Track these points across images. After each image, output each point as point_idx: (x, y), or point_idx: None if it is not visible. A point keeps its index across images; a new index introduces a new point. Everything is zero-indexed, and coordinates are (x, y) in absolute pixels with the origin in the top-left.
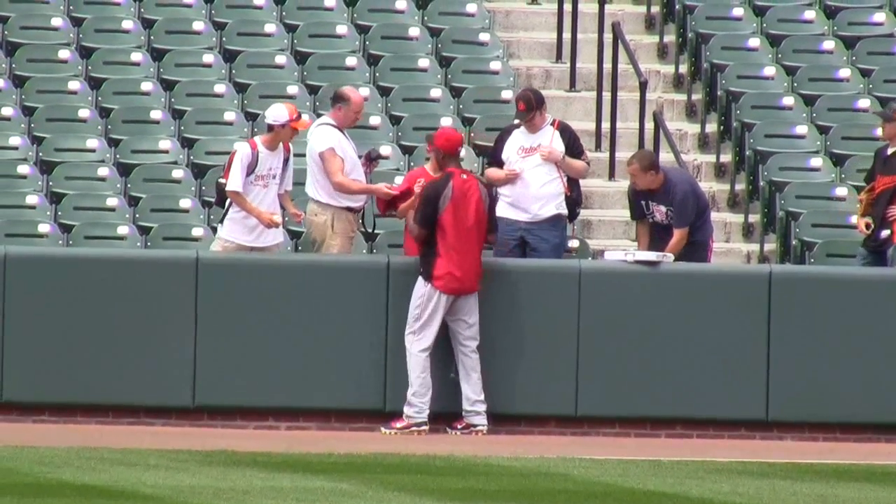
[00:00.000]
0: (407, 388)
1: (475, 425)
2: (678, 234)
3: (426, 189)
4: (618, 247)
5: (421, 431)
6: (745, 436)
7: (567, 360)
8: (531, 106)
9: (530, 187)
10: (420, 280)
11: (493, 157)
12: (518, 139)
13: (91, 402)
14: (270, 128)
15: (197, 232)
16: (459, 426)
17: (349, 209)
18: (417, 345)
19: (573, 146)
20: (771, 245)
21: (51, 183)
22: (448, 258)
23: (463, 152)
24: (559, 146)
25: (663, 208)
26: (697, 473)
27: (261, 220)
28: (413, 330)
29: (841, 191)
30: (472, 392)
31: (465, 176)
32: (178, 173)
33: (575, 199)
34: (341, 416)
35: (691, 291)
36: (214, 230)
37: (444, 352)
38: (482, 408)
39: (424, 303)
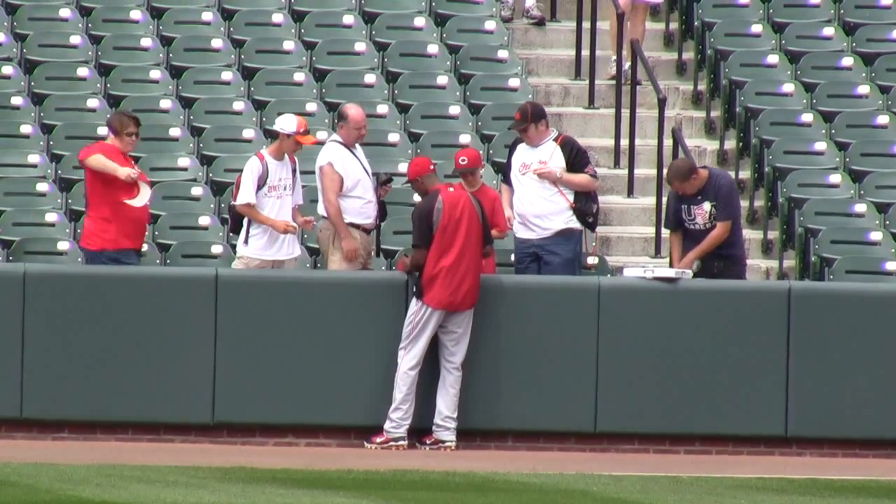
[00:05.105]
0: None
1: (443, 441)
2: (721, 227)
3: (416, 210)
4: (637, 263)
5: (399, 446)
6: (764, 452)
7: (586, 377)
8: (525, 117)
9: (533, 205)
10: (414, 297)
11: (506, 171)
12: (521, 155)
13: (111, 419)
14: (276, 135)
15: (216, 249)
16: (429, 441)
17: (355, 226)
18: (406, 362)
19: (576, 161)
20: (790, 261)
21: (70, 200)
22: (440, 272)
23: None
24: (559, 162)
25: (706, 206)
26: (717, 490)
27: (275, 228)
28: (404, 346)
29: (860, 207)
30: (445, 407)
31: (451, 189)
32: (196, 190)
33: (582, 209)
34: (361, 433)
35: (710, 308)
36: (233, 247)
37: (429, 370)
38: (452, 424)
39: (415, 319)
